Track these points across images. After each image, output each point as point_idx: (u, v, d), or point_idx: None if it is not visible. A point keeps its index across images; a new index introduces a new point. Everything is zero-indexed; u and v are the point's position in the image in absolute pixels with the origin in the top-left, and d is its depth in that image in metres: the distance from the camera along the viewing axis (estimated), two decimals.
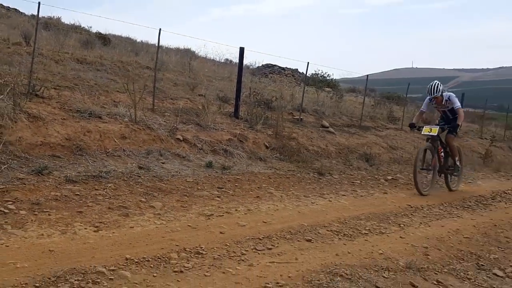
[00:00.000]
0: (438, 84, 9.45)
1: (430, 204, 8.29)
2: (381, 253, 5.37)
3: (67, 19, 26.10)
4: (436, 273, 5.07)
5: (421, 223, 6.96)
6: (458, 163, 10.20)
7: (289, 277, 4.35)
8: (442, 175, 10.34)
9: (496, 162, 16.42)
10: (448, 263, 5.48)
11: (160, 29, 10.24)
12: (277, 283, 4.17)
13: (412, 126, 9.84)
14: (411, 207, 7.91)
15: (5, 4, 23.06)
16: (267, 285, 4.10)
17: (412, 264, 5.12)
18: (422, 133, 9.60)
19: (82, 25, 21.60)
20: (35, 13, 8.81)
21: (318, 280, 4.34)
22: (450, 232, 6.67)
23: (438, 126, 9.52)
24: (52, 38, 14.80)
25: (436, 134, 9.30)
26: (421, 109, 10.32)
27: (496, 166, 15.70)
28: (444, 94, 9.67)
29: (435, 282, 4.81)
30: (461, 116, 9.56)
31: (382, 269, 4.90)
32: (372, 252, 5.35)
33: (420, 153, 9.44)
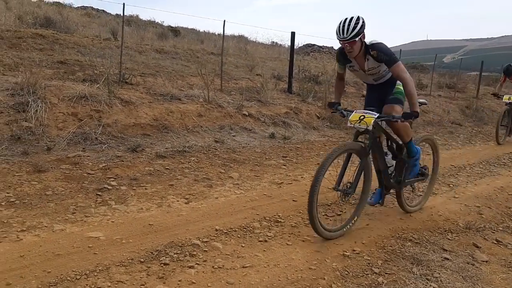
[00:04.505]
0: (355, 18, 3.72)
1: (471, 164, 7.48)
2: (440, 215, 4.75)
3: (144, 16, 25.75)
4: (493, 232, 4.44)
5: (467, 182, 6.24)
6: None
7: (363, 243, 3.83)
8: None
9: None
10: (501, 221, 4.81)
11: (224, 21, 9.63)
12: (354, 250, 3.67)
13: (331, 105, 4.23)
14: (455, 167, 7.14)
15: (94, 6, 22.89)
16: (345, 252, 3.60)
17: (471, 225, 4.49)
18: None
19: (157, 20, 21.23)
20: (119, 13, 8.40)
21: (391, 246, 3.80)
22: (495, 190, 5.93)
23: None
24: (134, 33, 14.46)
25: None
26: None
27: None
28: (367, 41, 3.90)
29: (495, 242, 4.18)
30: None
31: (445, 231, 4.31)
32: (431, 214, 4.74)
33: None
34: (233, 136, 7.50)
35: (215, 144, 6.89)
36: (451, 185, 5.99)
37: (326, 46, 28.46)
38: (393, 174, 4.39)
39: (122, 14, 8.41)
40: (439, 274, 3.36)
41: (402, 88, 4.07)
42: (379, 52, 3.87)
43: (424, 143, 4.99)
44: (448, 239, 4.12)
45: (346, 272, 3.28)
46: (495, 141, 9.86)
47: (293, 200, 4.85)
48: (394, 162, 4.42)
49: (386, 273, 3.31)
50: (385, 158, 4.28)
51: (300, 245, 3.71)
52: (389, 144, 4.38)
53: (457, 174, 6.67)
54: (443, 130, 11.33)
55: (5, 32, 9.36)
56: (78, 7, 21.24)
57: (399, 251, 3.70)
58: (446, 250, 3.83)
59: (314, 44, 28.74)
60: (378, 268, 3.38)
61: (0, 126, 5.55)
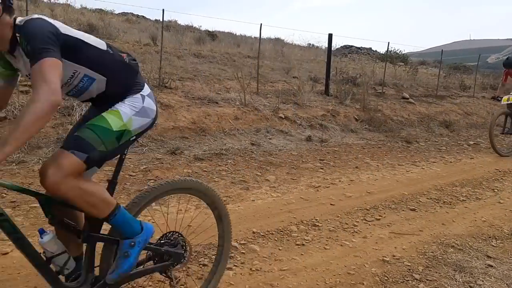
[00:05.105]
0: None
1: None
2: (484, 221, 4.59)
3: (182, 21, 26.29)
4: None
5: None
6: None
7: (403, 249, 3.76)
8: None
9: None
10: None
11: (261, 24, 9.73)
12: (393, 256, 3.60)
13: None
14: (500, 171, 6.89)
15: (135, 13, 23.58)
16: (385, 258, 3.55)
17: None
18: None
19: (194, 25, 21.59)
20: (159, 18, 8.62)
21: (432, 252, 3.71)
22: None
23: None
24: (172, 38, 14.76)
25: None
26: None
27: None
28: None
29: None
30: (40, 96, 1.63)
31: (489, 237, 4.17)
32: (475, 220, 4.60)
33: None
34: (269, 139, 7.54)
35: (251, 146, 6.95)
36: (496, 190, 5.78)
37: (365, 47, 28.11)
38: (67, 269, 2.11)
39: (161, 20, 8.63)
40: (483, 281, 3.25)
41: (111, 119, 2.03)
42: (23, 36, 1.82)
43: (181, 194, 2.89)
44: (493, 245, 3.98)
45: (386, 278, 3.23)
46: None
47: (331, 204, 4.82)
48: (60, 247, 2.08)
49: (427, 280, 3.23)
50: (41, 239, 2.01)
51: (338, 250, 3.69)
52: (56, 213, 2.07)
53: (502, 178, 6.43)
54: (488, 133, 10.94)
55: None
56: (119, 13, 21.93)
57: (441, 258, 3.61)
58: (490, 257, 3.71)
59: (351, 45, 28.43)
60: (419, 274, 3.31)
61: (47, 130, 5.81)
